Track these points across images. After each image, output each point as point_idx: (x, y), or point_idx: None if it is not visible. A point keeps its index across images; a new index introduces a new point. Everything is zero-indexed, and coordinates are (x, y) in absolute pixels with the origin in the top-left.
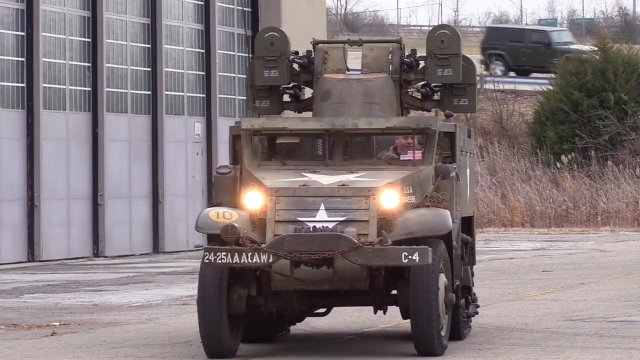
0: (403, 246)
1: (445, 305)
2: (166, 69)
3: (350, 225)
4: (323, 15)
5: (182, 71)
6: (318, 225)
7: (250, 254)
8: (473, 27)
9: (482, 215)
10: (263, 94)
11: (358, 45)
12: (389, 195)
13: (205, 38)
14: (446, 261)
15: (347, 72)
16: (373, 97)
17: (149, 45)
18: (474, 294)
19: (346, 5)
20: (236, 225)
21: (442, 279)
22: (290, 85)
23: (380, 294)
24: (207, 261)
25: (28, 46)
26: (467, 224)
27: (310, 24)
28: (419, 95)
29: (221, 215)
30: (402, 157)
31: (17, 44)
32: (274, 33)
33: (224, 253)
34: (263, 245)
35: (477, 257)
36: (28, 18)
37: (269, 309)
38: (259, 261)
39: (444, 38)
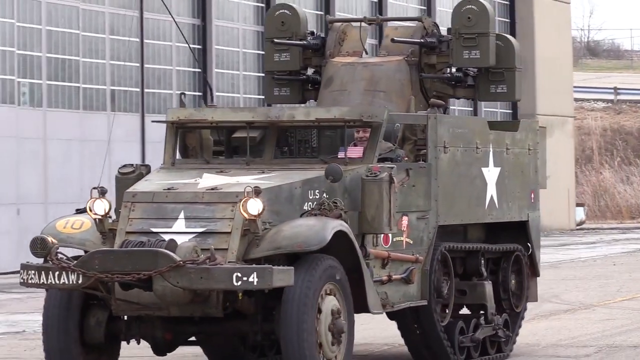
0: (237, 265)
1: (332, 335)
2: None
3: (210, 238)
4: (569, 44)
5: None
6: (176, 237)
7: (57, 273)
8: None
9: None
10: (282, 81)
11: (376, 24)
12: (255, 203)
13: None
14: (341, 281)
15: (364, 55)
16: (378, 83)
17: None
18: (493, 315)
19: (589, 34)
20: (47, 238)
21: (329, 303)
22: (312, 72)
23: (254, 322)
24: (21, 281)
25: None
26: (517, 230)
27: (559, 51)
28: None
29: (69, 224)
30: (340, 154)
31: None
32: (285, 11)
33: (33, 272)
34: (72, 263)
35: None
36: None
37: (130, 336)
38: (67, 281)
39: (470, 15)
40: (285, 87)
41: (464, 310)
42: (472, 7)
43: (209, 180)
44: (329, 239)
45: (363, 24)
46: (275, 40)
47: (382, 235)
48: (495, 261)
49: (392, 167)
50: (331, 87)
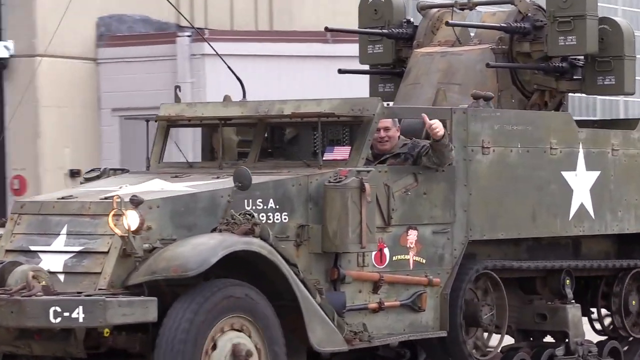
0: (58, 297)
1: None
2: None
3: (86, 259)
4: None
5: None
6: (52, 257)
7: None
8: None
9: None
10: (386, 76)
11: (469, 9)
12: (132, 215)
13: None
14: (259, 314)
15: (456, 45)
16: (454, 75)
17: None
18: (579, 344)
19: None
20: None
21: (228, 341)
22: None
23: None
24: None
25: None
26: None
27: None
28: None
29: None
30: (326, 156)
31: None
32: None
33: None
34: None
35: None
36: None
37: None
38: None
39: None
40: (389, 82)
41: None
42: None
43: (138, 187)
44: (213, 262)
45: (456, 9)
46: (332, 29)
47: (374, 252)
48: (611, 280)
49: (368, 171)
50: (407, 81)
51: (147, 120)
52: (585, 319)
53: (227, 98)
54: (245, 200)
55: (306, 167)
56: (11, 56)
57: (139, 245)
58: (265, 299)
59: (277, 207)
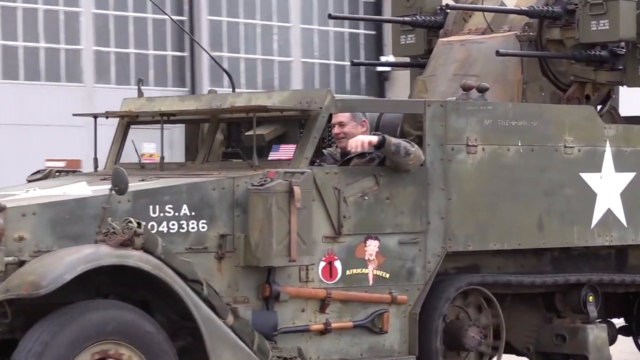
0: None
1: None
2: None
3: None
4: None
5: None
6: None
7: None
8: None
9: None
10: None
11: None
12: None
13: None
14: (144, 340)
15: (488, 32)
16: (472, 66)
17: None
18: None
19: None
20: None
21: None
22: None
23: None
24: None
25: None
26: None
27: None
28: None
29: None
30: (272, 155)
31: None
32: None
33: None
34: None
35: None
36: None
37: None
38: None
39: None
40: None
41: None
42: None
43: (45, 191)
44: (67, 279)
45: None
46: (335, 15)
47: (322, 265)
48: None
49: (302, 172)
50: (424, 73)
51: (95, 117)
52: (630, 339)
53: (211, 92)
54: (151, 207)
55: (248, 168)
56: None
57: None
58: (153, 322)
59: (193, 214)
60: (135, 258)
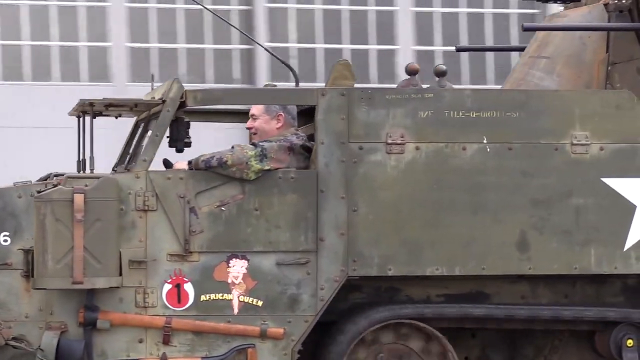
0: None
1: None
2: None
3: None
4: None
5: None
6: None
7: None
8: None
9: None
10: None
11: None
12: None
13: None
14: None
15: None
16: (546, 46)
17: None
18: None
19: None
20: None
21: None
22: None
23: None
24: None
25: None
26: None
27: None
28: None
29: None
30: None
31: None
32: None
33: None
34: None
35: None
36: None
37: None
38: None
39: None
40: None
41: None
42: None
43: None
44: None
45: None
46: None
47: (167, 287)
48: None
49: (97, 178)
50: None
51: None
52: None
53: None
54: None
55: (124, 172)
56: None
57: None
58: None
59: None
60: None
